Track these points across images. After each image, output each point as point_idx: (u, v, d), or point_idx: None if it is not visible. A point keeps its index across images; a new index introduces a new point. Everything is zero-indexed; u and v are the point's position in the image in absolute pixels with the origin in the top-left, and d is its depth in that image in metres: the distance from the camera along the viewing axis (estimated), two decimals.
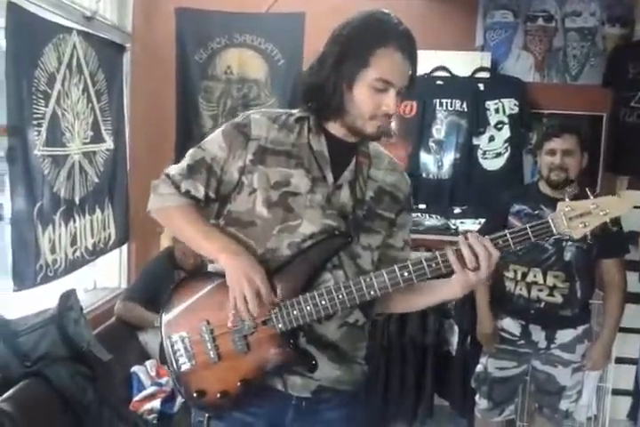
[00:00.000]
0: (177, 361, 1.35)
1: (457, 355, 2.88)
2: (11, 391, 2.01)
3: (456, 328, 2.88)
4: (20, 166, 2.17)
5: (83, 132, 2.62)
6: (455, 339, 2.87)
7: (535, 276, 2.30)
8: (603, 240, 2.26)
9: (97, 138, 2.76)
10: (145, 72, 3.20)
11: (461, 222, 3.03)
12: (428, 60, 3.15)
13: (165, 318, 1.38)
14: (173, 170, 1.39)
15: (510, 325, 2.37)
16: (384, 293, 1.27)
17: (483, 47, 3.26)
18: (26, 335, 2.20)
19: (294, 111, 1.39)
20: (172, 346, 1.35)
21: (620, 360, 2.94)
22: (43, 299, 2.36)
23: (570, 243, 2.26)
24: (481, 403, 2.46)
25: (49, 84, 2.33)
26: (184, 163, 1.38)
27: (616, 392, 3.02)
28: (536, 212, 2.31)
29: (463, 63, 3.16)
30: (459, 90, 3.15)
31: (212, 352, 1.32)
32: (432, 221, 3.02)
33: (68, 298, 2.24)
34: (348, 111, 1.30)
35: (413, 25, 3.38)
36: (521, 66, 3.26)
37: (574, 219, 1.19)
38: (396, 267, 1.25)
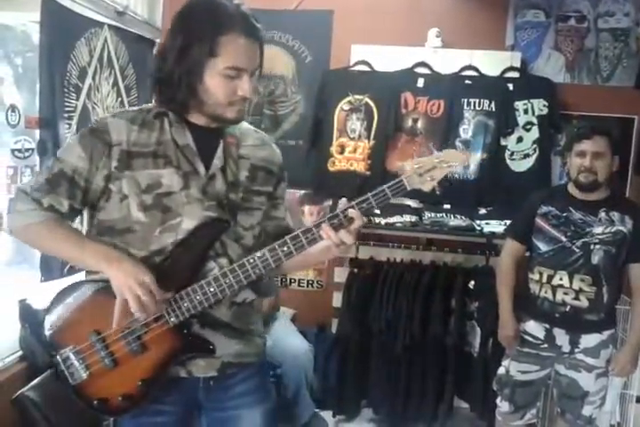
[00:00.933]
0: (72, 375, 1.34)
1: (478, 357, 2.85)
2: (37, 380, 2.05)
3: (478, 330, 2.86)
4: (50, 159, 2.20)
5: None
6: (477, 341, 2.85)
7: (561, 279, 2.27)
8: (632, 244, 2.23)
9: None
10: None
11: (486, 223, 3.00)
12: (456, 59, 3.12)
13: (50, 333, 1.36)
14: (29, 186, 1.32)
15: (534, 328, 2.34)
16: (269, 269, 1.31)
17: (513, 47, 3.22)
18: None
19: (150, 106, 1.36)
20: (65, 361, 1.34)
21: None
22: None
23: (598, 246, 2.23)
24: (502, 406, 2.44)
25: (80, 78, 2.37)
26: (41, 177, 1.31)
27: None
28: (564, 214, 2.28)
29: (492, 63, 3.12)
30: (487, 89, 3.11)
31: (106, 360, 1.32)
32: (457, 221, 3.00)
33: None
34: (205, 101, 1.29)
35: (443, 24, 3.37)
36: (551, 66, 3.22)
37: (424, 174, 1.29)
38: (276, 244, 1.29)
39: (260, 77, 1.39)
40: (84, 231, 1.43)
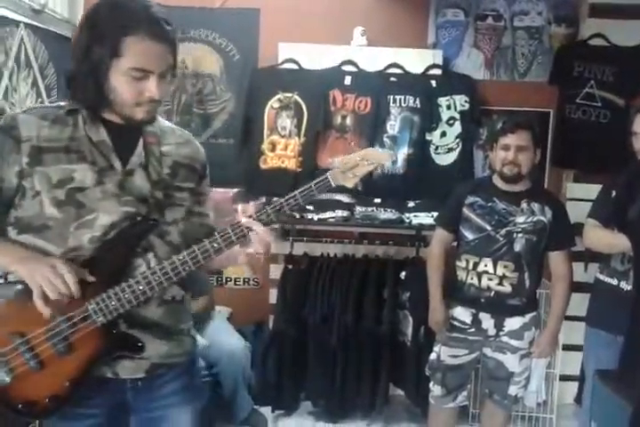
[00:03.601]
0: None
1: (411, 345, 2.93)
2: None
3: (410, 319, 2.94)
4: None
5: None
6: (410, 329, 2.93)
7: (486, 265, 2.37)
8: (551, 234, 2.36)
9: None
10: None
11: (415, 216, 3.09)
12: (381, 57, 3.19)
13: None
14: None
15: (461, 313, 2.44)
16: (198, 265, 1.33)
17: (435, 45, 3.32)
18: None
19: (63, 104, 1.35)
20: None
21: (567, 347, 3.06)
22: None
23: (520, 235, 2.34)
24: (435, 390, 2.52)
25: None
26: None
27: (564, 378, 3.14)
28: (489, 204, 2.38)
29: (416, 60, 3.21)
30: (412, 86, 3.20)
31: (31, 362, 1.29)
32: (387, 214, 3.07)
33: None
34: (113, 100, 1.29)
35: (368, 23, 3.44)
36: (471, 63, 3.34)
37: (347, 171, 1.37)
38: (206, 241, 1.31)
39: (175, 78, 1.38)
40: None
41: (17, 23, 2.43)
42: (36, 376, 1.30)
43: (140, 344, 1.34)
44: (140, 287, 1.30)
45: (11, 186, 1.30)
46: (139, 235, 1.34)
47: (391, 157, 1.41)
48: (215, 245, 1.31)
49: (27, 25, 2.50)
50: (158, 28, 1.26)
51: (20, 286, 1.29)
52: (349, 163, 1.37)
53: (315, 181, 1.35)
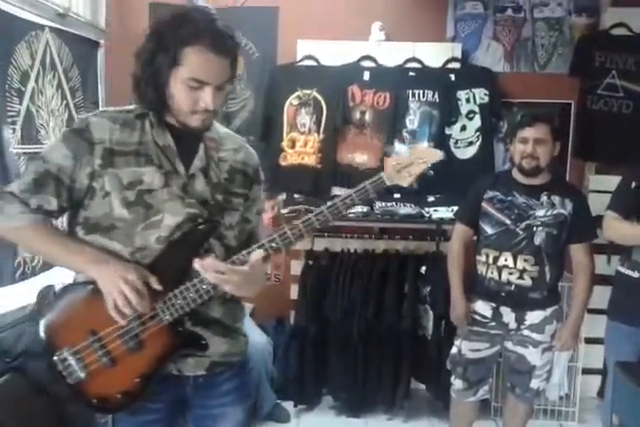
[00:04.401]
0: (70, 375, 1.37)
1: (432, 339, 2.95)
2: None
3: (431, 313, 2.95)
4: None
5: (58, 129, 2.64)
6: (430, 323, 2.94)
7: (506, 259, 2.36)
8: (572, 226, 2.34)
9: None
10: (119, 68, 3.20)
11: (435, 210, 3.09)
12: (400, 52, 3.20)
13: (46, 336, 1.39)
14: (17, 187, 1.34)
15: (482, 307, 2.44)
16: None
17: (454, 38, 3.31)
18: (5, 332, 2.23)
19: (132, 108, 1.40)
20: (62, 362, 1.37)
21: (589, 341, 3.03)
22: (21, 296, 2.38)
23: (540, 228, 2.33)
24: (456, 384, 2.53)
25: (22, 82, 2.35)
26: (28, 177, 1.34)
27: (586, 371, 3.12)
28: (509, 198, 2.38)
29: (435, 54, 3.21)
30: (430, 80, 3.19)
31: (104, 358, 1.35)
32: (407, 209, 3.08)
33: (47, 294, 2.27)
34: (171, 106, 1.34)
35: (386, 18, 3.43)
36: (491, 56, 3.32)
37: (402, 170, 1.38)
38: (265, 241, 1.35)
39: (232, 87, 1.42)
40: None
41: (42, 27, 2.50)
42: (108, 372, 1.36)
43: (204, 342, 1.39)
44: (204, 286, 1.33)
45: (81, 187, 1.35)
46: (202, 236, 1.37)
47: (442, 155, 1.45)
48: (274, 244, 1.35)
49: (51, 29, 2.56)
50: (220, 41, 1.29)
51: (91, 286, 1.35)
52: (403, 162, 1.39)
53: (370, 181, 1.36)
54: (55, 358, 1.37)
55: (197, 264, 1.29)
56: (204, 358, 1.42)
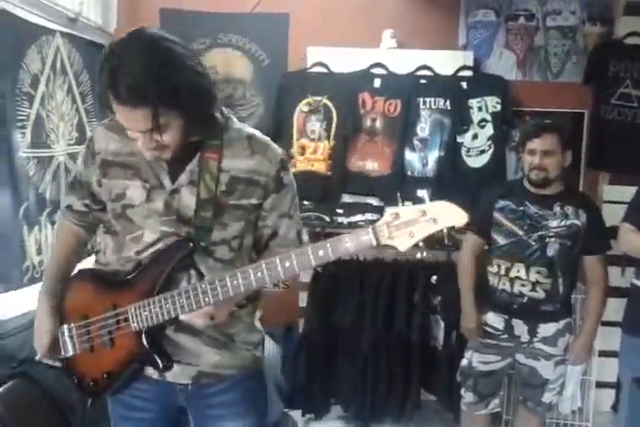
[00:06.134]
0: (64, 348, 1.44)
1: (442, 350, 2.91)
2: None
3: (442, 323, 2.91)
4: (4, 168, 2.18)
5: (67, 134, 2.63)
6: (441, 334, 2.90)
7: (518, 271, 2.33)
8: (585, 237, 2.30)
9: (82, 139, 2.76)
10: None
11: None
12: (411, 60, 3.17)
13: (61, 306, 1.46)
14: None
15: (493, 319, 2.40)
16: (238, 293, 1.25)
17: (465, 46, 3.29)
18: (12, 337, 2.21)
19: None
20: (62, 334, 1.44)
21: (603, 354, 2.99)
22: (29, 300, 2.36)
23: (553, 239, 2.30)
24: (467, 396, 2.49)
25: (32, 86, 2.34)
26: (69, 180, 1.52)
27: (600, 385, 3.07)
28: (520, 208, 2.34)
29: (446, 62, 3.18)
30: (442, 88, 3.17)
31: (86, 344, 1.40)
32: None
33: None
34: None
35: (397, 25, 3.42)
36: (503, 64, 3.30)
37: (401, 227, 1.07)
38: (250, 268, 1.22)
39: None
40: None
41: (53, 32, 2.49)
42: (88, 357, 1.41)
43: (167, 364, 1.33)
44: (181, 300, 1.27)
45: (98, 191, 1.44)
46: (178, 257, 1.31)
47: (467, 219, 1.06)
48: (259, 274, 1.20)
49: (62, 33, 2.56)
50: (116, 92, 1.16)
51: (98, 272, 1.46)
52: (404, 216, 1.07)
53: (350, 234, 1.11)
54: (63, 326, 1.44)
55: (182, 317, 1.29)
56: (190, 367, 1.38)
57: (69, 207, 1.50)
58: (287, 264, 1.18)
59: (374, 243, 1.09)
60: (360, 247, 1.10)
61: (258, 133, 1.42)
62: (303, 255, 1.17)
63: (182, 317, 1.29)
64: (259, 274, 1.21)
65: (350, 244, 1.12)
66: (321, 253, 1.14)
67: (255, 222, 1.41)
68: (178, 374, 1.37)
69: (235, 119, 1.42)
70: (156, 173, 1.33)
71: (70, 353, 1.43)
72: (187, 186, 1.32)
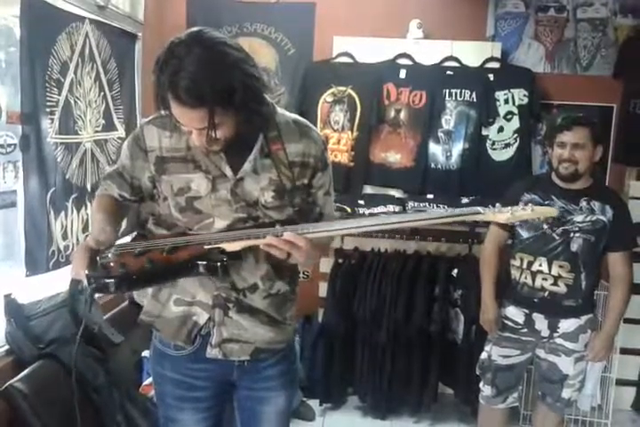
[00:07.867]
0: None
1: (462, 343, 2.90)
2: (25, 372, 2.07)
3: (462, 317, 2.90)
4: (33, 154, 2.21)
5: (94, 120, 2.66)
6: (461, 328, 2.90)
7: (541, 265, 2.31)
8: (611, 234, 2.27)
9: (109, 126, 2.79)
10: None
11: None
12: (438, 50, 3.15)
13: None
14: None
15: (514, 313, 2.39)
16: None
17: (493, 37, 3.25)
18: (38, 319, 2.26)
19: None
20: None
21: (625, 351, 2.97)
22: (54, 283, 2.41)
23: (577, 234, 2.27)
24: (485, 390, 2.49)
25: (62, 73, 2.37)
26: (111, 168, 1.56)
27: (620, 382, 3.05)
28: (546, 202, 2.32)
29: (473, 53, 3.15)
30: (468, 80, 3.14)
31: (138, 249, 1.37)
32: (439, 211, 3.03)
33: (79, 282, 2.28)
34: None
35: (424, 15, 3.38)
36: (531, 56, 3.25)
37: (509, 210, 1.35)
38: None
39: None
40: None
41: (82, 19, 2.51)
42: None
43: (225, 261, 1.34)
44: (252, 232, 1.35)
45: (146, 186, 1.49)
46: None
47: (556, 213, 1.51)
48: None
49: (91, 20, 2.58)
50: (178, 94, 1.23)
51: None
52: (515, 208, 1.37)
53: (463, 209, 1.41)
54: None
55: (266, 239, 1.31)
56: (248, 344, 1.49)
57: (106, 190, 1.54)
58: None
59: (482, 214, 1.36)
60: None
61: (299, 117, 1.52)
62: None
63: (267, 239, 1.31)
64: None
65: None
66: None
67: (305, 201, 1.50)
68: (237, 352, 1.49)
69: (276, 106, 1.49)
70: (217, 164, 1.40)
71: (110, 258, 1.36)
72: (250, 174, 1.41)
